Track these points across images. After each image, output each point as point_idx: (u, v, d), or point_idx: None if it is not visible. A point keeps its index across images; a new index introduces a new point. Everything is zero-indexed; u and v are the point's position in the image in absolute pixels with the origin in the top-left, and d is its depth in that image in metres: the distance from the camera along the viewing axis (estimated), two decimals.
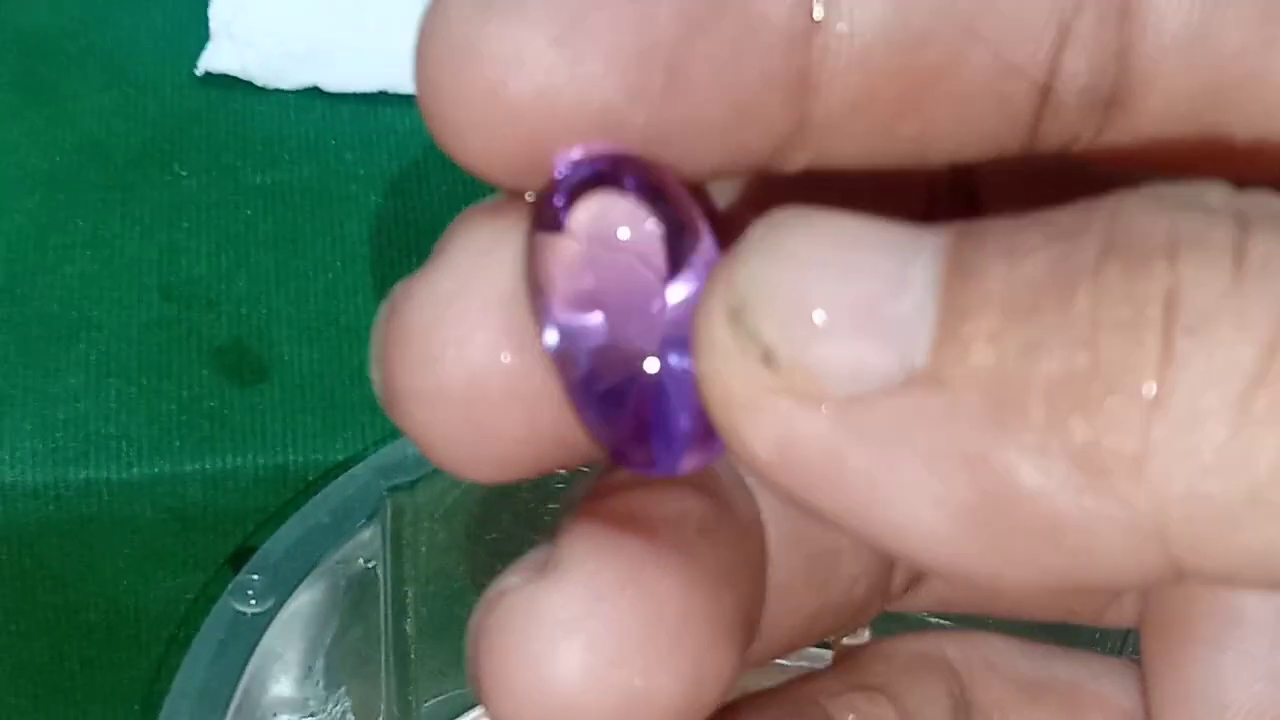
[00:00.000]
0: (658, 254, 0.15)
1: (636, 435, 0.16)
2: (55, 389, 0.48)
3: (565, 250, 0.15)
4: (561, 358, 0.15)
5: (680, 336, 0.15)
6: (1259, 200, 0.13)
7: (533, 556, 0.16)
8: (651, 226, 0.15)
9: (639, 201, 0.15)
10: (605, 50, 0.15)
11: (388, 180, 0.54)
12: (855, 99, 0.16)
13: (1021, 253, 0.13)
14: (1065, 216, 0.14)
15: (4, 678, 0.45)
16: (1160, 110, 0.16)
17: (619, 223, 0.15)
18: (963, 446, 0.13)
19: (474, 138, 0.15)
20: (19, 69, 0.57)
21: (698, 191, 0.16)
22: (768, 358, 0.14)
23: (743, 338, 0.14)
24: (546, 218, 0.16)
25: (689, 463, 0.16)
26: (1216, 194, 0.13)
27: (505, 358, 0.16)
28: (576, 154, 0.15)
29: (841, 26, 0.15)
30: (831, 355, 0.14)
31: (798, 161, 0.16)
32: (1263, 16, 0.16)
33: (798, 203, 0.14)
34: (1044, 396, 0.13)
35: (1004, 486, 0.13)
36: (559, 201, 0.15)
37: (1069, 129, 0.17)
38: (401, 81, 0.56)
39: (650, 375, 0.15)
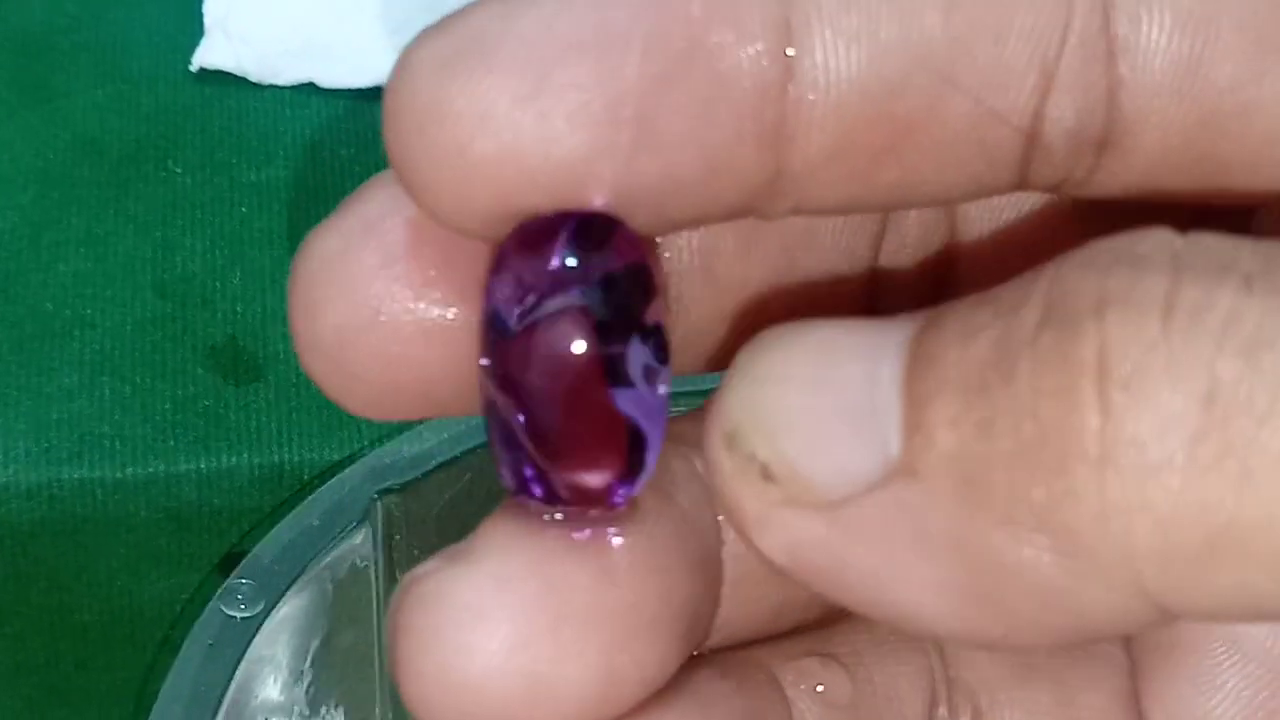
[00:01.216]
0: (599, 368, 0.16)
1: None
2: (49, 388, 0.48)
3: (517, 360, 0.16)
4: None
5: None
6: (1197, 244, 0.14)
7: (454, 546, 0.17)
8: (592, 344, 0.16)
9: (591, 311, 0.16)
10: (572, 107, 0.15)
11: None
12: (833, 149, 0.16)
13: (972, 333, 0.14)
14: (1011, 290, 0.14)
15: None
16: (1155, 145, 0.16)
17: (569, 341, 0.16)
18: (945, 531, 0.14)
19: (443, 197, 0.15)
20: (13, 66, 0.57)
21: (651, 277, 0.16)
22: (765, 473, 0.15)
23: (740, 459, 0.15)
24: (499, 326, 0.16)
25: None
26: (1152, 242, 0.14)
27: (370, 322, 0.17)
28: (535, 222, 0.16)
29: (816, 77, 0.15)
30: (818, 463, 0.15)
31: (779, 210, 0.16)
32: (1255, 47, 0.16)
33: (780, 319, 0.15)
34: (1005, 471, 0.14)
35: (990, 563, 0.14)
36: (513, 320, 0.16)
37: (1059, 171, 0.17)
38: None
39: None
